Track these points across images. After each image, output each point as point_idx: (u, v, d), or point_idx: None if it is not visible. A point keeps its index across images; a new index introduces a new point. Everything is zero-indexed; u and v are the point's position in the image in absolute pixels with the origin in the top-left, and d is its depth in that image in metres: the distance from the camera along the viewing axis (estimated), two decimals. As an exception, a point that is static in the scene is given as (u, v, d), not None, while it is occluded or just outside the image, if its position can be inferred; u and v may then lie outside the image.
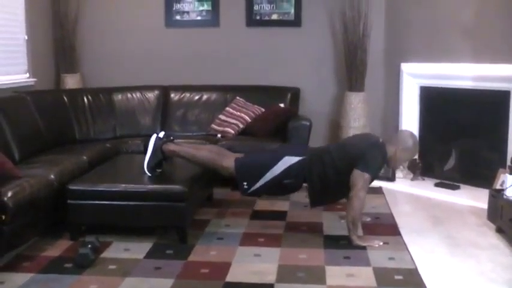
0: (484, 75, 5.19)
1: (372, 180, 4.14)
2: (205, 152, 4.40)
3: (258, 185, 4.20)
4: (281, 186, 4.23)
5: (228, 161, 4.30)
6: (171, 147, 4.39)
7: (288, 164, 4.15)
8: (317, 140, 6.28)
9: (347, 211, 4.05)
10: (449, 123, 5.72)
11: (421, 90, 5.93)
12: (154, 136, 4.45)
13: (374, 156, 4.10)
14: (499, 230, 4.32)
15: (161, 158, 4.40)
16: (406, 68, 5.96)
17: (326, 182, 4.17)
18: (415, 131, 5.95)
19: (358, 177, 4.01)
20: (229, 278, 3.52)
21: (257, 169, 4.20)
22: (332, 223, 4.54)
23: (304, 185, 4.26)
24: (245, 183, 4.22)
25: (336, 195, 4.31)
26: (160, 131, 4.68)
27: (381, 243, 4.06)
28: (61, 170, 4.37)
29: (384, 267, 3.66)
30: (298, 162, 4.16)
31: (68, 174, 4.39)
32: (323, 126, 6.48)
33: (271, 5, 6.48)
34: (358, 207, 4.00)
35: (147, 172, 4.36)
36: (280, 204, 5.01)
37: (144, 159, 4.39)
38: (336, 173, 4.11)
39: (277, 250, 3.98)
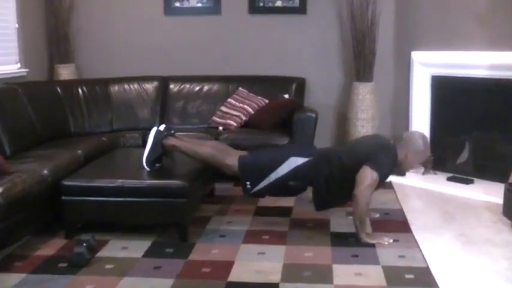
0: (500, 64, 5.16)
1: (379, 183, 4.12)
2: (208, 149, 4.38)
3: (261, 185, 4.21)
4: (286, 188, 4.24)
5: (231, 158, 4.29)
6: (172, 141, 4.38)
7: (293, 165, 4.15)
8: (323, 132, 6.28)
9: (353, 209, 4.04)
10: (462, 114, 5.69)
11: (432, 79, 5.90)
12: (154, 129, 4.44)
13: (385, 158, 4.12)
14: (515, 227, 4.31)
15: (161, 152, 4.39)
16: (417, 56, 5.93)
17: (333, 185, 4.17)
18: (426, 122, 5.94)
19: (367, 174, 3.99)
20: (232, 277, 3.51)
21: (261, 169, 4.20)
22: (339, 220, 4.52)
23: (310, 187, 4.26)
24: (248, 183, 4.23)
25: (343, 198, 4.28)
26: (160, 124, 4.67)
27: (391, 241, 4.05)
28: (55, 165, 4.36)
29: (394, 266, 3.65)
30: (305, 163, 4.16)
31: (63, 169, 4.38)
32: (329, 118, 6.47)
33: (275, -9, 6.46)
34: (364, 206, 3.99)
35: (145, 167, 4.36)
36: (285, 200, 4.98)
37: (143, 153, 4.38)
38: (344, 175, 4.09)
39: (282, 248, 3.97)
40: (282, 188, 4.22)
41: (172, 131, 4.51)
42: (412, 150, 4.22)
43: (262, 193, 4.31)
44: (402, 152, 4.21)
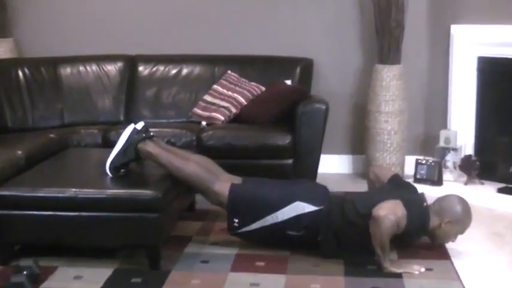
0: None
1: (402, 231, 4.08)
2: (194, 167, 4.40)
3: (253, 227, 4.28)
4: (282, 237, 4.30)
5: (222, 185, 4.34)
6: (149, 147, 4.39)
7: (298, 212, 4.21)
8: (336, 129, 6.28)
9: (372, 234, 4.03)
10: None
11: (479, 61, 5.92)
12: (131, 127, 4.43)
13: (415, 212, 4.12)
14: None
15: (132, 158, 4.40)
16: (459, 31, 5.95)
17: (344, 239, 4.22)
18: (471, 116, 5.96)
19: (394, 202, 4.03)
20: (217, 315, 3.54)
21: (257, 207, 4.26)
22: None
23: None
24: (236, 220, 4.29)
25: (358, 248, 4.29)
26: (138, 121, 4.61)
27: (423, 270, 4.06)
28: (-13, 169, 4.37)
29: (427, 302, 3.67)
30: (313, 213, 4.21)
31: (-4, 175, 4.39)
32: (344, 111, 6.47)
33: None
34: (387, 231, 3.97)
35: (108, 172, 4.36)
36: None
37: (109, 155, 4.38)
38: (359, 230, 4.11)
39: (281, 278, 3.98)
40: (277, 236, 4.29)
41: (152, 133, 4.51)
42: (447, 219, 4.23)
43: (250, 236, 4.38)
44: (435, 220, 4.23)
